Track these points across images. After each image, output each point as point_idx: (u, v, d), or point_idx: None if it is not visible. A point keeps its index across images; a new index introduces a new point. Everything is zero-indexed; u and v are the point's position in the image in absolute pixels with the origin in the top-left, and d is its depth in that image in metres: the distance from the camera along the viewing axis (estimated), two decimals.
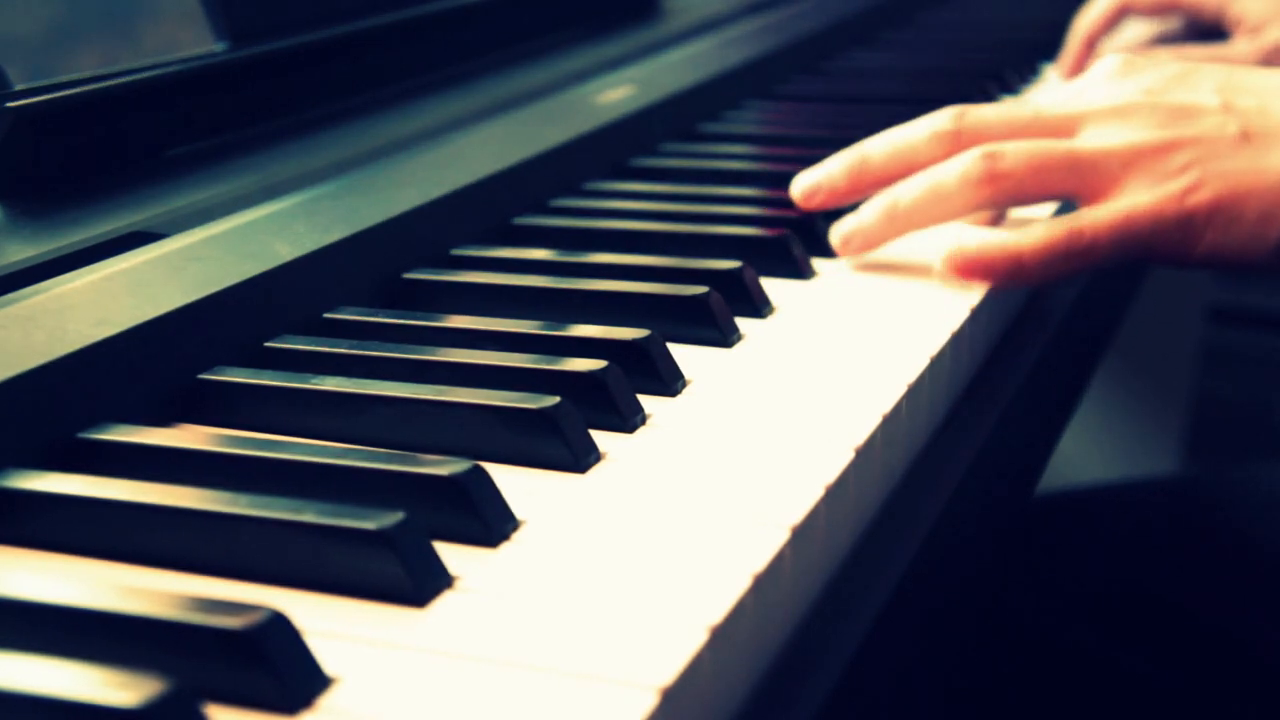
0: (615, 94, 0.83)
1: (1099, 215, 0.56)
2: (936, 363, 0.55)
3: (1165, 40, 1.06)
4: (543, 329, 0.55)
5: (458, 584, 0.40)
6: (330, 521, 0.39)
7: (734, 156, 0.81)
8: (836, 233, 0.63)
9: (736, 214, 0.69)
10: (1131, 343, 1.44)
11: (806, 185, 0.66)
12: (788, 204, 0.68)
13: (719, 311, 0.57)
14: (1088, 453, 1.47)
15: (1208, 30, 1.04)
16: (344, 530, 0.39)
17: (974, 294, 0.61)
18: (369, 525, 0.39)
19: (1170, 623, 0.71)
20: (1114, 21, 1.02)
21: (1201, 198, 0.56)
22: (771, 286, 0.62)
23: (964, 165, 0.59)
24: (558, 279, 0.59)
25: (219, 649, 0.35)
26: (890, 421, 0.50)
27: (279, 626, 0.35)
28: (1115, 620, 0.72)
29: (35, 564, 0.42)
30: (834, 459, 0.46)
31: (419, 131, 0.74)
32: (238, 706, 0.35)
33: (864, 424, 0.49)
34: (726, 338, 0.56)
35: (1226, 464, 1.55)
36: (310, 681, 0.35)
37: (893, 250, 0.65)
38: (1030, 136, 0.60)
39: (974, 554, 0.58)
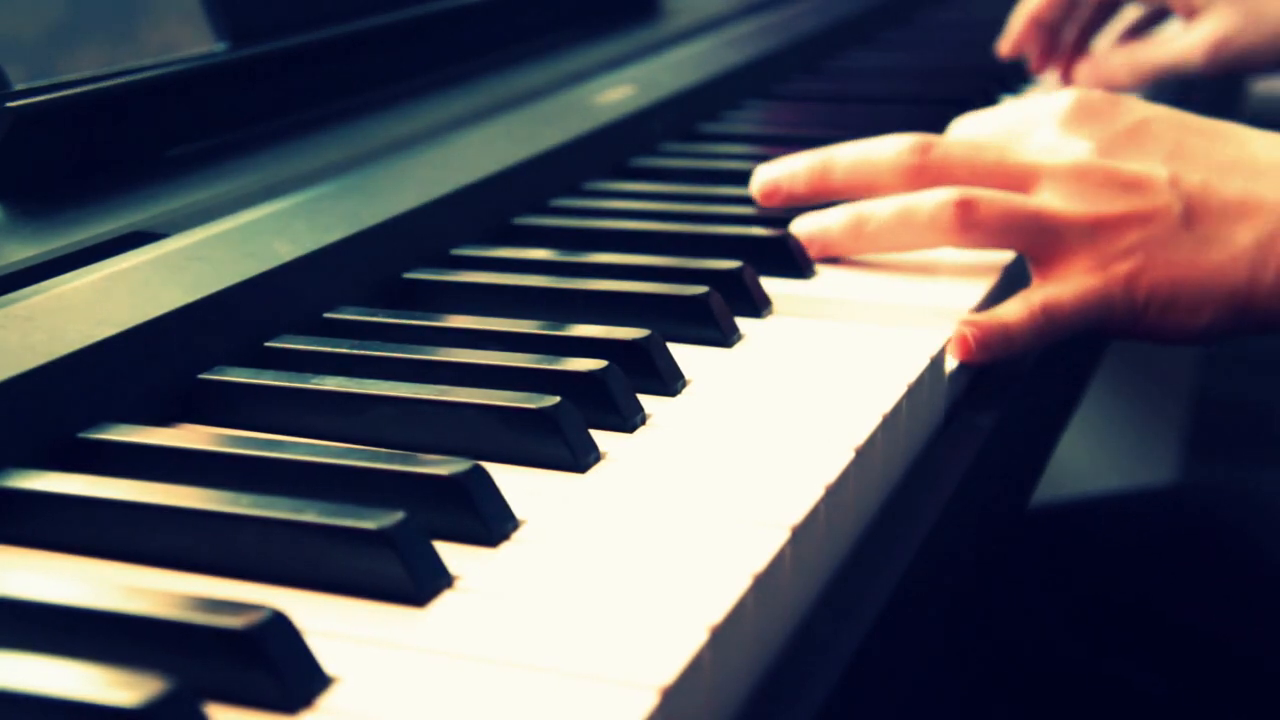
0: (615, 94, 0.83)
1: (1060, 292, 0.59)
2: (937, 363, 0.55)
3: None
4: (543, 329, 0.55)
5: (458, 584, 0.40)
6: (331, 521, 0.39)
7: (734, 156, 0.81)
8: (800, 228, 0.65)
9: (736, 214, 0.69)
10: (1129, 344, 1.43)
11: (767, 181, 0.68)
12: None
13: (719, 311, 0.57)
14: (1088, 452, 1.47)
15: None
16: (344, 530, 0.39)
17: (975, 295, 0.61)
18: (369, 525, 0.39)
19: (1166, 634, 0.71)
20: (1063, 6, 1.01)
21: (1145, 281, 0.59)
22: (772, 286, 0.62)
23: (938, 205, 0.61)
24: (558, 279, 0.59)
25: (219, 649, 0.35)
26: (890, 422, 0.50)
27: (279, 626, 0.35)
28: (1111, 632, 0.72)
29: (35, 564, 0.42)
30: (834, 459, 0.46)
31: (419, 131, 0.74)
32: (238, 706, 0.35)
33: (864, 424, 0.49)
34: (726, 338, 0.56)
35: (1228, 465, 1.55)
36: (310, 681, 0.35)
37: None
38: (990, 182, 0.62)
39: (974, 554, 0.58)
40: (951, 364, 0.57)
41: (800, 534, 0.42)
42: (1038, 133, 0.65)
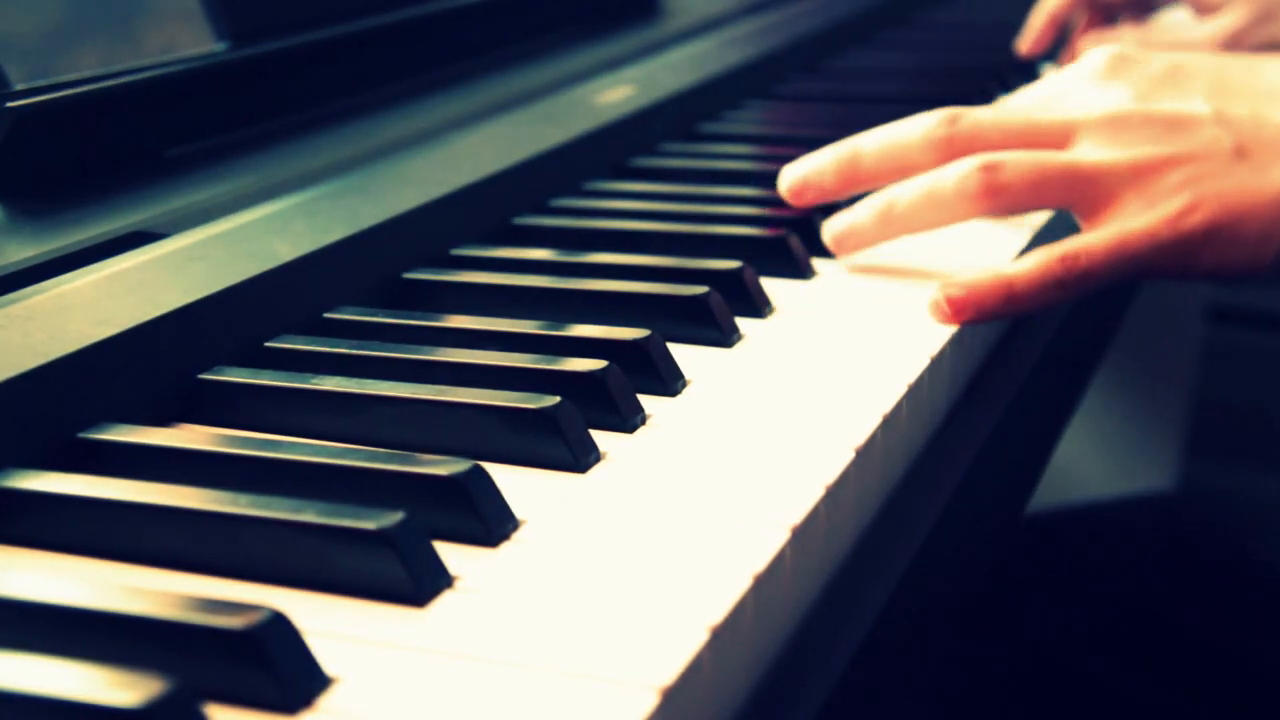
0: (615, 94, 0.83)
1: (1093, 240, 0.56)
2: (937, 363, 0.55)
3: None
4: (543, 329, 0.55)
5: (458, 584, 0.40)
6: (330, 521, 0.39)
7: (734, 156, 0.81)
8: (829, 231, 0.63)
9: (736, 214, 0.69)
10: (1131, 343, 1.43)
11: (795, 180, 0.66)
12: (787, 204, 0.68)
13: (719, 311, 0.57)
14: (1088, 452, 1.47)
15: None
16: (344, 530, 0.39)
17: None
18: (369, 525, 0.39)
19: (1168, 640, 0.70)
20: (1081, 5, 1.00)
21: (1197, 219, 0.56)
22: (772, 286, 0.62)
23: (962, 175, 0.58)
24: (558, 279, 0.59)
25: (219, 649, 0.35)
26: (891, 422, 0.50)
27: (279, 626, 0.35)
28: (1113, 638, 0.71)
29: (35, 564, 0.42)
30: (834, 459, 0.46)
31: (419, 131, 0.74)
32: (238, 706, 0.35)
33: (864, 424, 0.49)
34: (727, 338, 0.56)
35: (1228, 467, 1.55)
36: (310, 681, 0.35)
37: (893, 250, 0.65)
38: (1024, 145, 0.60)
39: (974, 553, 0.58)
40: (952, 365, 0.57)
41: (800, 534, 0.42)
42: (1072, 94, 0.63)
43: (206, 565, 0.41)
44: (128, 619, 0.35)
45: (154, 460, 0.45)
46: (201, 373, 0.51)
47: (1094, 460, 1.47)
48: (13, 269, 0.53)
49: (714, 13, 1.10)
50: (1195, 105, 0.59)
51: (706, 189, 0.74)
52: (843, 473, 0.46)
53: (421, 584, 0.39)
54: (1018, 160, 0.58)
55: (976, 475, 0.54)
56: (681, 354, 0.54)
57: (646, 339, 0.53)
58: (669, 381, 0.52)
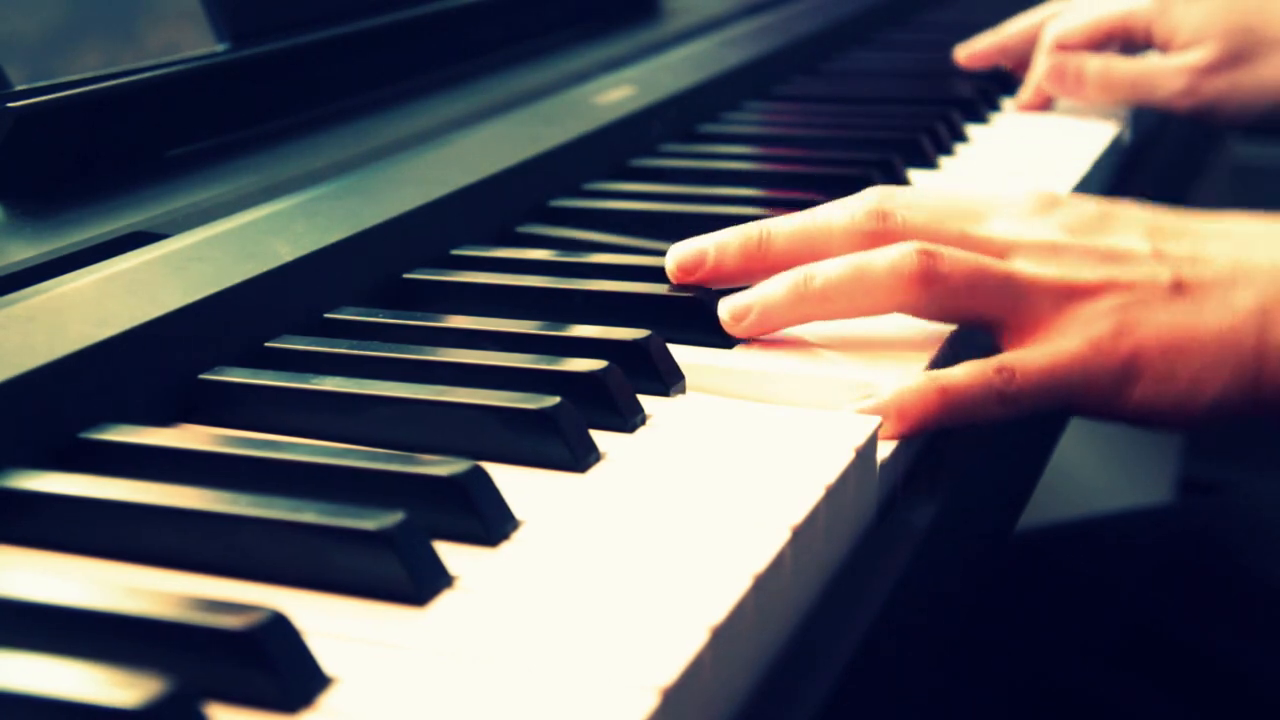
0: (615, 94, 0.83)
1: (1026, 356, 0.52)
2: (937, 361, 0.55)
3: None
4: (543, 329, 0.55)
5: (458, 584, 0.40)
6: (330, 522, 0.39)
7: (733, 157, 0.81)
8: (728, 306, 0.56)
9: (735, 214, 0.69)
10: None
11: (689, 252, 0.57)
12: (787, 204, 0.68)
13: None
14: (1087, 455, 1.48)
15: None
16: (344, 530, 0.39)
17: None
18: (369, 525, 0.39)
19: (1167, 654, 0.70)
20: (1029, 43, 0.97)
21: (1127, 347, 0.53)
22: None
23: (899, 255, 0.53)
24: (558, 279, 0.59)
25: (219, 649, 0.35)
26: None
27: (279, 626, 0.35)
28: (1112, 651, 0.71)
29: (36, 564, 0.42)
30: (835, 459, 0.46)
31: (419, 131, 0.74)
32: (238, 706, 0.35)
33: (864, 424, 0.49)
34: (726, 338, 0.56)
35: (1226, 467, 1.55)
36: (310, 681, 0.35)
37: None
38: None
39: (973, 557, 0.58)
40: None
41: (800, 534, 0.42)
42: (999, 218, 0.57)
43: (206, 565, 0.41)
44: (128, 619, 0.35)
45: (154, 460, 0.45)
46: (202, 373, 0.51)
47: (1093, 469, 1.47)
48: (13, 269, 0.53)
49: (714, 13, 1.10)
50: (1134, 240, 0.56)
51: (705, 189, 0.74)
52: (843, 473, 0.46)
53: (421, 584, 0.39)
54: (957, 255, 0.54)
55: (976, 475, 0.54)
56: (682, 354, 0.54)
57: (646, 339, 0.53)
58: (669, 382, 0.52)
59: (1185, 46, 0.90)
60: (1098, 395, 0.53)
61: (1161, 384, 0.53)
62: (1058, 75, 0.92)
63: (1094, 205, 0.58)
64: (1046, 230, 0.56)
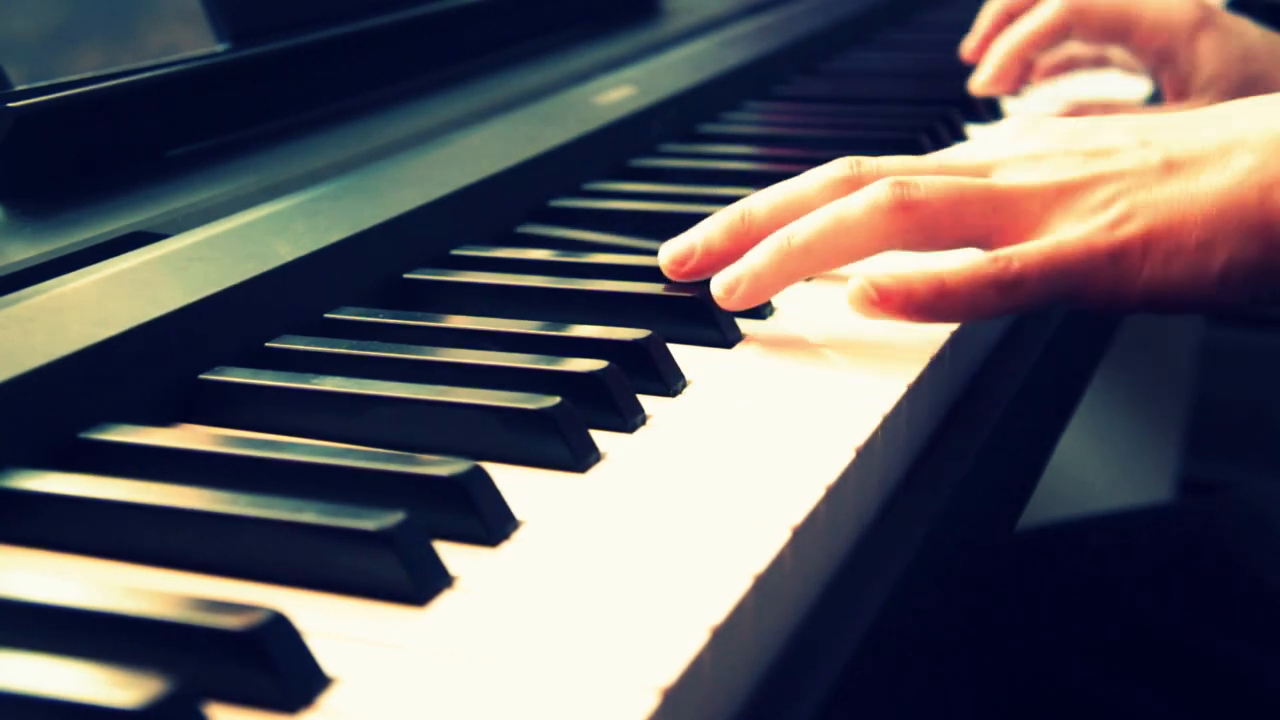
0: (615, 94, 0.83)
1: (1027, 248, 0.51)
2: (937, 362, 0.55)
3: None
4: (543, 329, 0.55)
5: (458, 584, 0.40)
6: (330, 522, 0.39)
7: (733, 157, 0.81)
8: (719, 281, 0.55)
9: None
10: (1130, 343, 1.44)
11: (679, 246, 0.57)
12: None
13: (719, 311, 0.57)
14: (1088, 454, 1.48)
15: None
16: (344, 530, 0.39)
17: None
18: (369, 525, 0.39)
19: (1166, 654, 0.70)
20: (1057, 37, 0.91)
21: (1134, 228, 0.51)
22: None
23: (873, 191, 0.53)
24: (558, 279, 0.59)
25: (219, 649, 0.35)
26: (890, 422, 0.50)
27: (279, 626, 0.35)
28: (1112, 652, 0.71)
29: (36, 564, 0.42)
30: (834, 459, 0.46)
31: (419, 131, 0.74)
32: (238, 706, 0.35)
33: (864, 424, 0.49)
34: (727, 338, 0.56)
35: (1226, 467, 1.55)
36: (310, 681, 0.35)
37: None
38: None
39: (973, 557, 0.58)
40: (952, 364, 0.57)
41: (800, 534, 0.42)
42: (979, 147, 0.58)
43: (206, 565, 0.41)
44: (128, 619, 0.35)
45: (154, 460, 0.45)
46: (202, 373, 0.51)
47: (1093, 468, 1.47)
48: (13, 269, 0.53)
49: (714, 13, 1.10)
50: (1118, 136, 0.55)
51: (705, 189, 0.74)
52: (843, 473, 0.46)
53: (421, 584, 0.39)
54: (932, 180, 0.53)
55: (976, 475, 0.54)
56: (682, 354, 0.54)
57: (646, 339, 0.53)
58: (669, 381, 0.52)
59: (1202, 87, 0.87)
60: (1103, 282, 0.52)
61: (1169, 259, 0.51)
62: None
63: (1082, 119, 0.57)
64: (1028, 144, 0.56)
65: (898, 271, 0.51)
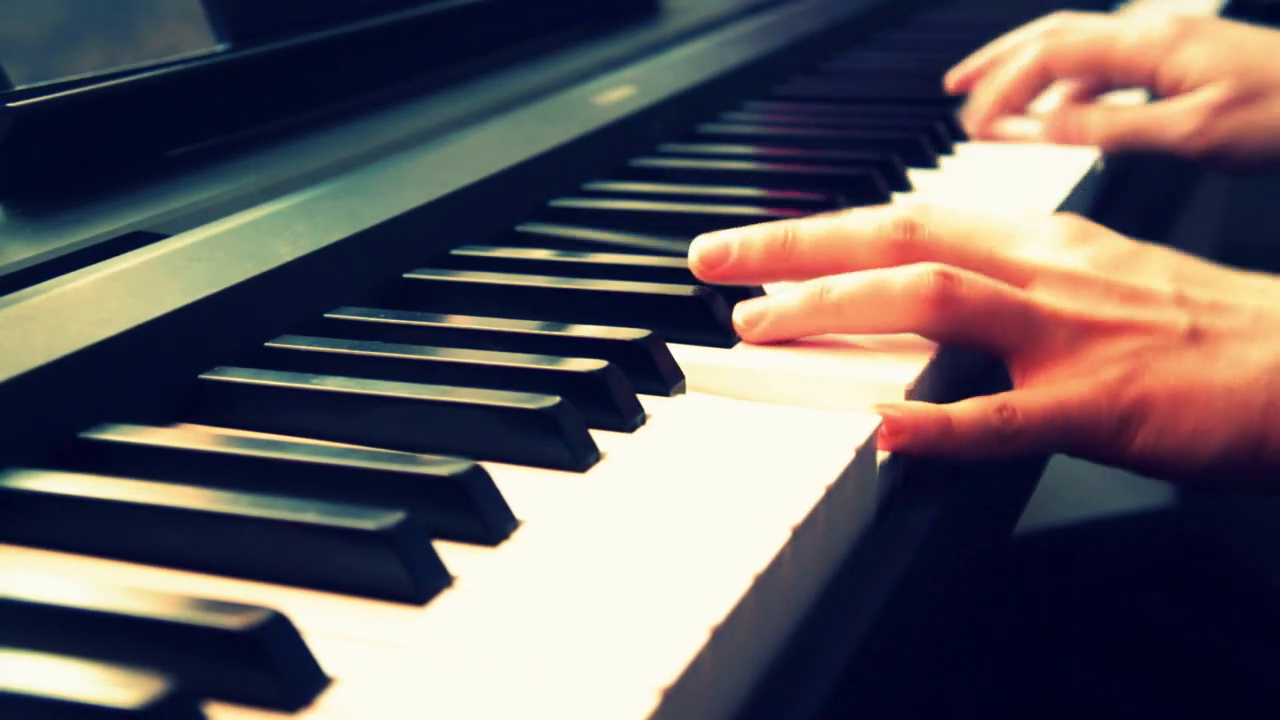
0: (615, 94, 0.83)
1: (1030, 397, 0.52)
2: (937, 362, 0.55)
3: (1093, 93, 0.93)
4: (543, 329, 0.55)
5: (458, 583, 0.40)
6: (331, 521, 0.39)
7: (733, 157, 0.81)
8: (743, 310, 0.56)
9: (736, 214, 0.69)
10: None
11: (714, 246, 0.57)
12: (786, 205, 0.68)
13: (719, 311, 0.57)
14: (1088, 468, 1.47)
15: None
16: (344, 530, 0.39)
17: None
18: (369, 525, 0.39)
19: (1167, 656, 0.70)
20: (1037, 87, 0.91)
21: (1135, 392, 0.52)
22: (772, 286, 0.62)
23: (916, 275, 0.53)
24: (558, 279, 0.60)
25: (219, 649, 0.35)
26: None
27: (279, 626, 0.35)
28: (1112, 654, 0.71)
29: (36, 564, 0.42)
30: (835, 459, 0.46)
31: (419, 131, 0.74)
32: (238, 706, 0.35)
33: (865, 424, 0.49)
34: (727, 337, 0.56)
35: None
36: (310, 681, 0.35)
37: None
38: (981, 273, 0.55)
39: (973, 555, 0.58)
40: (951, 365, 0.57)
41: (800, 534, 0.42)
42: (1030, 243, 0.58)
43: (207, 565, 0.41)
44: (128, 619, 0.35)
45: (155, 460, 0.45)
46: (202, 373, 0.51)
47: (1093, 469, 1.47)
48: (13, 269, 0.53)
49: (714, 13, 1.10)
50: (1158, 282, 0.55)
51: (705, 189, 0.74)
52: (843, 473, 0.46)
53: (421, 584, 0.39)
54: (975, 280, 0.53)
55: (976, 475, 0.54)
56: (682, 354, 0.54)
57: (646, 339, 0.53)
58: (669, 381, 0.52)
59: (1195, 87, 0.86)
60: (1099, 439, 0.53)
61: (1164, 433, 0.53)
62: (1059, 131, 0.88)
63: (1127, 243, 0.58)
64: (1073, 260, 0.56)
65: (906, 404, 0.51)
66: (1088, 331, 0.53)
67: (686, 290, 0.57)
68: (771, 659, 0.41)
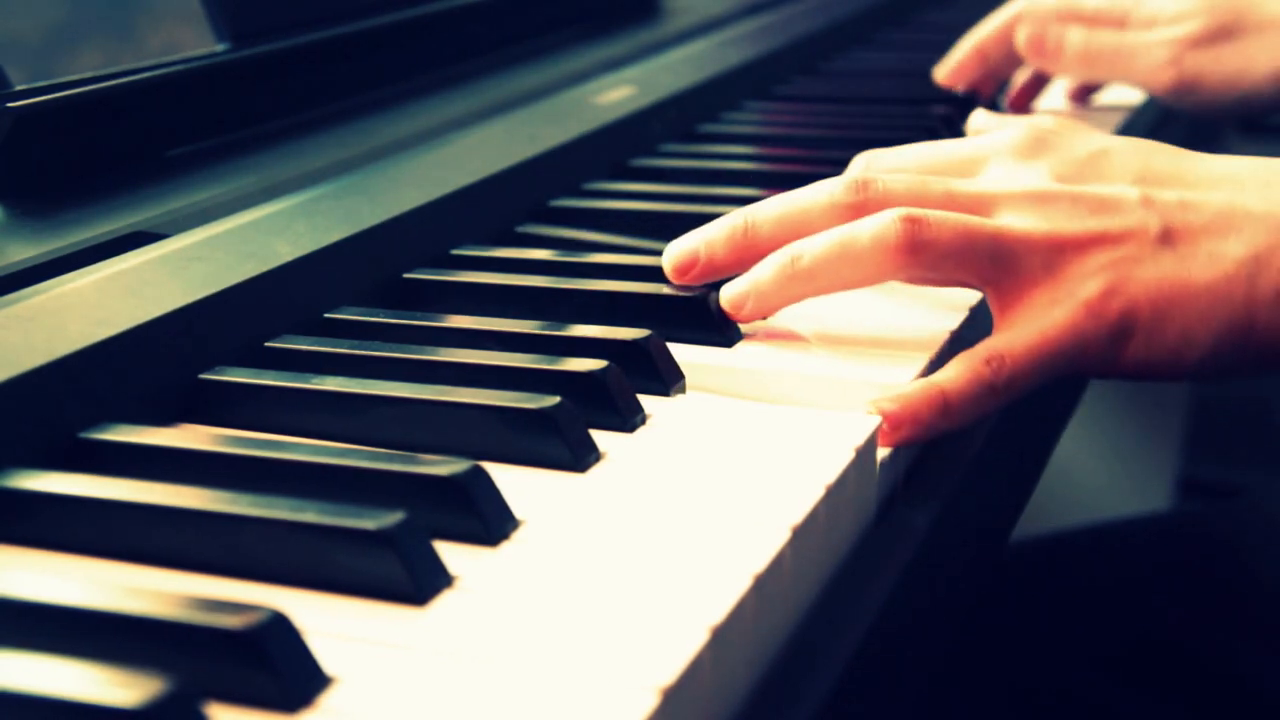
0: (615, 94, 0.83)
1: (1013, 339, 0.52)
2: (937, 360, 0.55)
3: None
4: (543, 329, 0.55)
5: (458, 584, 0.40)
6: (331, 521, 0.39)
7: (733, 157, 0.81)
8: (726, 294, 0.56)
9: None
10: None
11: (681, 253, 0.58)
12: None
13: (719, 311, 0.57)
14: (1086, 457, 1.48)
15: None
16: (344, 530, 0.39)
17: (975, 297, 0.61)
18: (369, 525, 0.39)
19: (1168, 659, 0.70)
20: (1007, 43, 0.92)
21: (1117, 305, 0.52)
22: None
23: (881, 225, 0.53)
24: (558, 279, 0.59)
25: (220, 649, 0.35)
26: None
27: (279, 626, 0.35)
28: (1113, 657, 0.71)
29: (36, 564, 0.42)
30: (835, 459, 0.46)
31: (419, 131, 0.74)
32: (238, 706, 0.35)
33: (865, 424, 0.49)
34: (727, 337, 0.56)
35: (1226, 467, 1.55)
36: (310, 681, 0.35)
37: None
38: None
39: (973, 555, 0.58)
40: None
41: (800, 534, 0.42)
42: (988, 167, 0.58)
43: (207, 565, 0.41)
44: (128, 619, 0.35)
45: (154, 460, 0.45)
46: (202, 373, 0.51)
47: (1093, 471, 1.47)
48: (13, 269, 0.53)
49: (714, 13, 1.10)
50: (1122, 188, 0.55)
51: (705, 189, 0.74)
52: (843, 473, 0.46)
53: (421, 584, 0.39)
54: (943, 219, 0.53)
55: (976, 475, 0.54)
56: (682, 354, 0.54)
57: (646, 339, 0.53)
58: (669, 381, 0.52)
59: (1170, 23, 0.88)
60: (1092, 358, 0.53)
61: (1153, 340, 0.53)
62: (1037, 45, 0.89)
63: (1084, 144, 0.58)
64: (1034, 178, 0.56)
65: (899, 397, 0.50)
66: (1061, 250, 0.53)
67: (686, 290, 0.57)
68: (771, 659, 0.41)
